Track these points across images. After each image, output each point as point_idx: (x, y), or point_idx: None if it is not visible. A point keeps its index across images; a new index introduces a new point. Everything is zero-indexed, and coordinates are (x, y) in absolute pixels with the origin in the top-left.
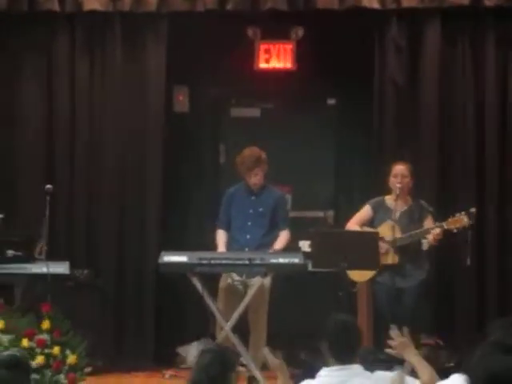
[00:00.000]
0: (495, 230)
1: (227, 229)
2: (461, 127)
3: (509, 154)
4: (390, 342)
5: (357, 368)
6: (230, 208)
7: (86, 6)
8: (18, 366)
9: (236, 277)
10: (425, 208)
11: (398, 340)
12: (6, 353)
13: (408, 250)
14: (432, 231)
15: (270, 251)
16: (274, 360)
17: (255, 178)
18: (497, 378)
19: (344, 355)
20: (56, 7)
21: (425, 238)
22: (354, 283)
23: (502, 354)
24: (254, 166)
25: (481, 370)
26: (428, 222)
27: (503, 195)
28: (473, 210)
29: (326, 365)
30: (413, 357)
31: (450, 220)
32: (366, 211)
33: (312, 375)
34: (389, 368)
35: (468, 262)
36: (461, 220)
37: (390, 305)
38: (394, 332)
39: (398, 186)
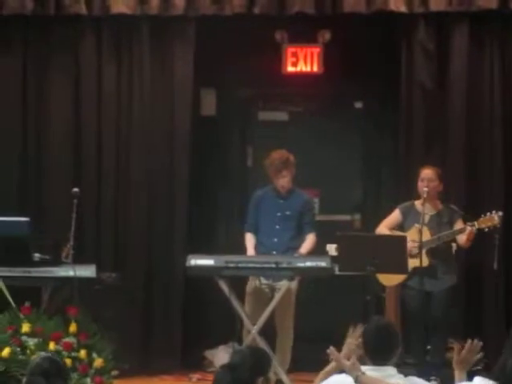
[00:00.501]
0: None
1: (255, 232)
2: (488, 131)
3: None
4: (452, 355)
5: (391, 370)
6: (258, 211)
7: (113, 10)
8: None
9: (263, 280)
10: (455, 211)
11: (461, 355)
12: (43, 356)
13: (439, 253)
14: (467, 228)
15: (296, 255)
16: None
17: (283, 180)
18: None
19: (380, 357)
20: (83, 10)
21: (454, 240)
22: (383, 287)
23: None
24: (282, 168)
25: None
26: (458, 225)
27: None
28: (500, 213)
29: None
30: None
31: (481, 219)
32: (395, 215)
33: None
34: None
35: (495, 266)
36: (492, 219)
37: (420, 309)
38: (456, 345)
39: (425, 190)
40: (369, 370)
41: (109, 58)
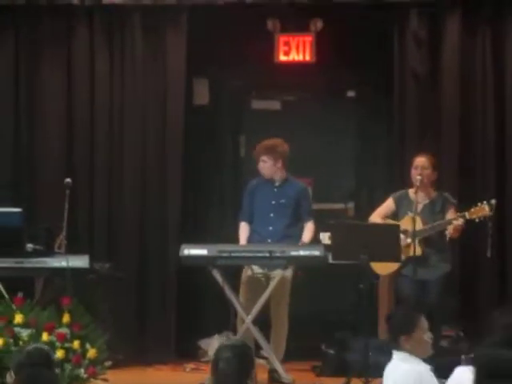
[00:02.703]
0: None
1: (250, 221)
2: (481, 117)
3: None
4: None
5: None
6: (252, 200)
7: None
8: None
9: (258, 269)
10: (448, 200)
11: None
12: (33, 347)
13: (432, 242)
14: (454, 222)
15: (300, 244)
16: None
17: (262, 165)
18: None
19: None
20: (75, 1)
21: (446, 229)
22: (377, 276)
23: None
24: (262, 153)
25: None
26: (450, 214)
27: None
28: (493, 201)
29: None
30: None
31: (472, 210)
32: (388, 204)
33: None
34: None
35: (488, 253)
36: (482, 209)
37: (414, 297)
38: None
39: (418, 178)
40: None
41: (101, 48)
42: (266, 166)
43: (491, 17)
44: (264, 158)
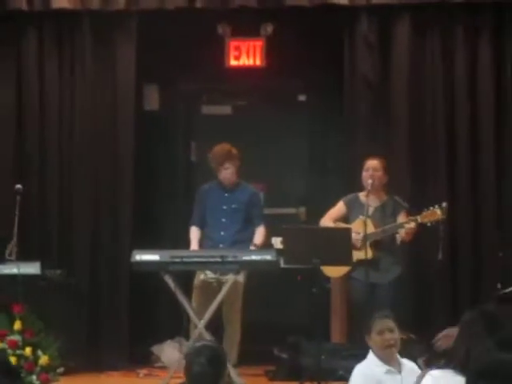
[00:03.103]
0: (467, 223)
1: (201, 226)
2: (432, 121)
3: (480, 147)
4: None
5: None
6: (204, 205)
7: (54, 5)
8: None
9: (210, 274)
10: (399, 203)
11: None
12: None
13: (383, 245)
14: (406, 225)
15: (252, 247)
16: None
17: (226, 172)
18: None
19: None
20: (24, 6)
21: (398, 232)
22: (329, 279)
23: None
24: (224, 160)
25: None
26: (402, 218)
27: (474, 189)
28: (445, 204)
29: None
30: None
31: (424, 214)
32: (339, 208)
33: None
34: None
35: (440, 256)
36: (434, 213)
37: (366, 300)
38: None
39: (369, 182)
40: None
41: (50, 53)
42: (230, 172)
43: (440, 20)
44: (227, 164)
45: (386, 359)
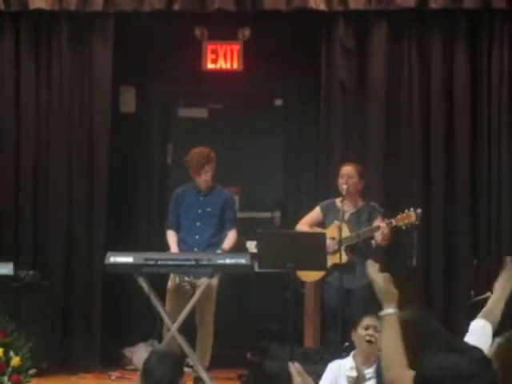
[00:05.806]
0: (441, 230)
1: (177, 229)
2: (407, 127)
3: (455, 154)
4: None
5: None
6: (179, 208)
7: (31, 5)
8: None
9: (184, 277)
10: (375, 209)
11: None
12: None
13: (358, 250)
14: (381, 229)
15: (218, 251)
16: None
17: (205, 175)
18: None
19: None
20: (1, 6)
21: (373, 237)
22: (303, 283)
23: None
24: (204, 164)
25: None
26: (377, 223)
27: (449, 195)
28: (419, 210)
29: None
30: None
31: (398, 217)
32: (315, 213)
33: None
34: None
35: (414, 262)
36: (409, 216)
37: (339, 305)
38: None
39: (344, 186)
40: None
41: (27, 53)
42: (209, 175)
43: (417, 27)
44: (207, 168)
45: (366, 357)
